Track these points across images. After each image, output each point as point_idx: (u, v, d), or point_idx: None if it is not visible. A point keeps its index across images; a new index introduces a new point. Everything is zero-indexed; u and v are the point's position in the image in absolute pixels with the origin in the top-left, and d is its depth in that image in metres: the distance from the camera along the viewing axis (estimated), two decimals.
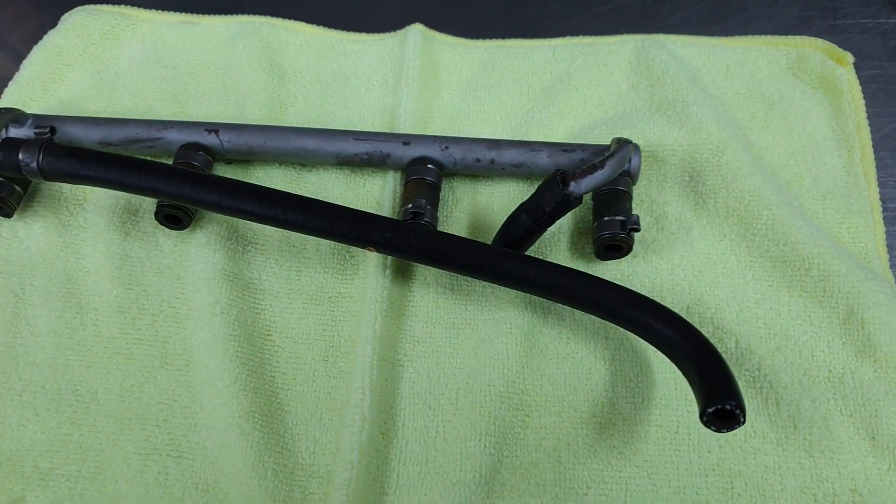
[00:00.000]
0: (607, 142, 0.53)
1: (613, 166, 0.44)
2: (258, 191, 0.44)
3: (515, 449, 0.44)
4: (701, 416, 0.37)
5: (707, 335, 0.42)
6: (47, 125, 0.49)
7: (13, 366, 0.46)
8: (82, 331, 0.47)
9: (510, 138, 0.54)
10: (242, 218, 0.45)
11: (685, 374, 0.41)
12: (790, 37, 0.58)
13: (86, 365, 0.46)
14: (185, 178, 0.44)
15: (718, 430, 0.37)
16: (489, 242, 0.50)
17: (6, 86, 0.57)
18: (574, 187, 0.43)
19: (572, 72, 0.58)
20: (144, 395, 0.45)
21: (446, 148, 0.50)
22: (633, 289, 0.44)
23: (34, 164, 0.44)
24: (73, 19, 0.60)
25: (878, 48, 0.60)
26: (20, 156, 0.44)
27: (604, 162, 0.44)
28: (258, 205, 0.44)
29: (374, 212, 0.52)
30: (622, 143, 0.47)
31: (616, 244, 0.47)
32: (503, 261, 0.44)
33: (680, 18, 0.61)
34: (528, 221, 0.45)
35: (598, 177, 0.44)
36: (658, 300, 0.43)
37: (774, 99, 0.56)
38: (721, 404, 0.36)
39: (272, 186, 0.52)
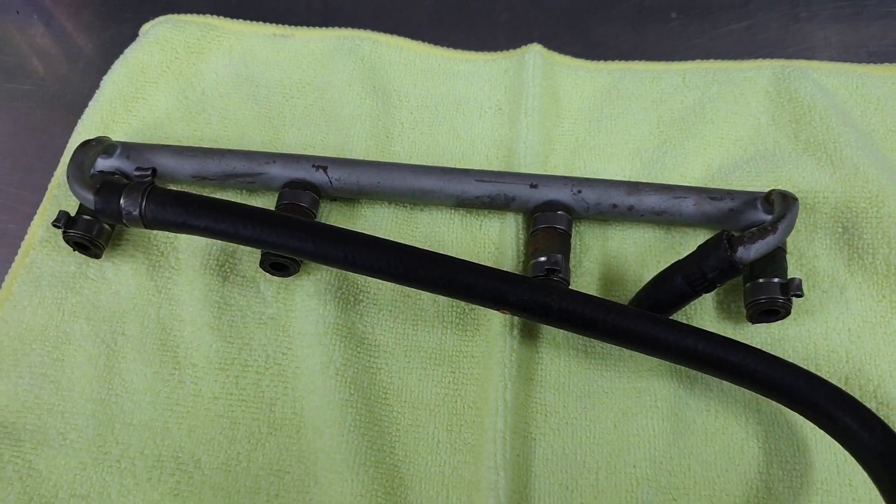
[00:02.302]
0: (750, 185, 0.48)
1: (785, 230, 0.39)
2: (388, 247, 0.40)
3: None
4: None
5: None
6: (147, 166, 0.44)
7: (109, 427, 0.42)
8: (181, 389, 0.43)
9: (641, 177, 0.49)
10: (368, 275, 0.41)
11: (869, 472, 0.36)
12: None
13: (187, 429, 0.42)
14: (305, 231, 0.40)
15: None
16: (623, 296, 0.46)
17: (86, 104, 0.52)
18: (742, 253, 0.39)
19: (706, 101, 0.52)
20: (253, 466, 0.42)
21: (579, 192, 0.45)
22: (786, 356, 0.39)
23: (136, 212, 0.40)
24: (156, 32, 0.55)
25: None
26: (122, 202, 0.40)
27: (776, 225, 0.39)
28: (388, 263, 0.39)
29: (495, 259, 0.47)
30: (789, 201, 0.42)
31: (773, 309, 0.42)
32: (657, 330, 0.39)
33: (820, 40, 0.55)
34: (684, 286, 0.40)
35: (770, 242, 0.39)
36: (813, 369, 0.39)
37: None
38: None
39: (382, 227, 0.49)
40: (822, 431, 0.39)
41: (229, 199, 0.42)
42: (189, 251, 0.47)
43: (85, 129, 0.51)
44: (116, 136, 0.49)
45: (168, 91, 0.53)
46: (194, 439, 0.42)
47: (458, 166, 0.48)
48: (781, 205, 0.42)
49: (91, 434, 0.42)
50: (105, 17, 0.59)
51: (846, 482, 0.41)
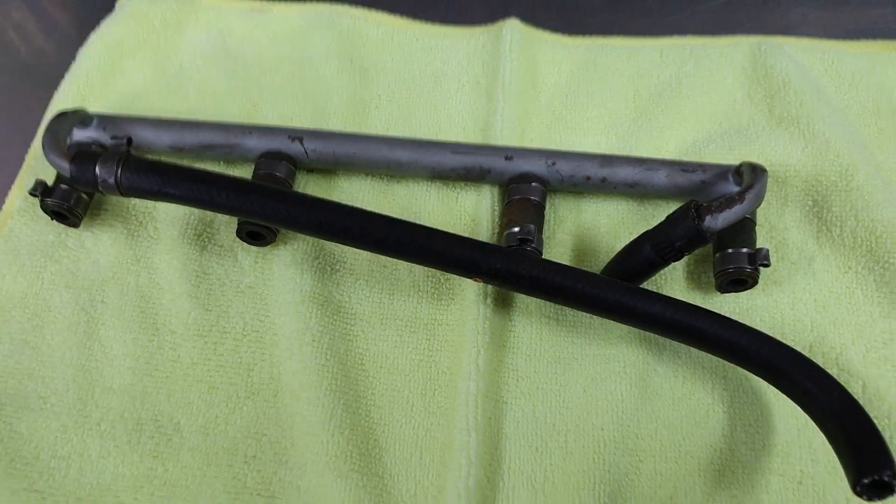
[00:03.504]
0: (724, 158, 0.49)
1: (752, 200, 0.40)
2: (363, 215, 0.40)
3: (629, 498, 0.41)
4: (854, 486, 0.34)
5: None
6: (123, 135, 0.45)
7: (89, 392, 0.43)
8: (160, 355, 0.44)
9: (617, 151, 0.49)
10: (344, 243, 0.41)
11: (826, 433, 0.37)
12: None
13: (166, 393, 0.43)
14: (279, 198, 0.40)
15: (870, 500, 0.34)
16: (596, 266, 0.47)
17: (62, 77, 0.53)
18: (710, 222, 0.39)
19: (682, 77, 0.53)
20: (231, 428, 0.42)
21: (553, 164, 0.46)
22: (753, 324, 0.40)
23: (112, 180, 0.40)
24: (133, 5, 0.55)
25: None
26: (97, 170, 0.40)
27: (743, 195, 0.40)
28: (363, 230, 0.40)
29: (471, 230, 0.48)
30: (758, 172, 0.42)
31: (741, 279, 0.43)
32: (626, 297, 0.40)
33: (797, 17, 0.56)
34: (652, 255, 0.41)
35: (737, 211, 0.40)
36: (779, 337, 0.40)
37: None
38: (878, 475, 0.33)
39: (359, 198, 0.49)
40: (784, 397, 0.40)
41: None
42: (167, 221, 0.48)
43: (61, 102, 0.52)
44: (93, 109, 0.49)
45: (145, 64, 0.53)
46: (173, 403, 0.43)
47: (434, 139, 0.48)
48: (750, 176, 0.43)
49: (72, 398, 0.43)
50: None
51: (806, 444, 0.42)
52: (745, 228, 0.44)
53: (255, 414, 0.43)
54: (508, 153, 0.46)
